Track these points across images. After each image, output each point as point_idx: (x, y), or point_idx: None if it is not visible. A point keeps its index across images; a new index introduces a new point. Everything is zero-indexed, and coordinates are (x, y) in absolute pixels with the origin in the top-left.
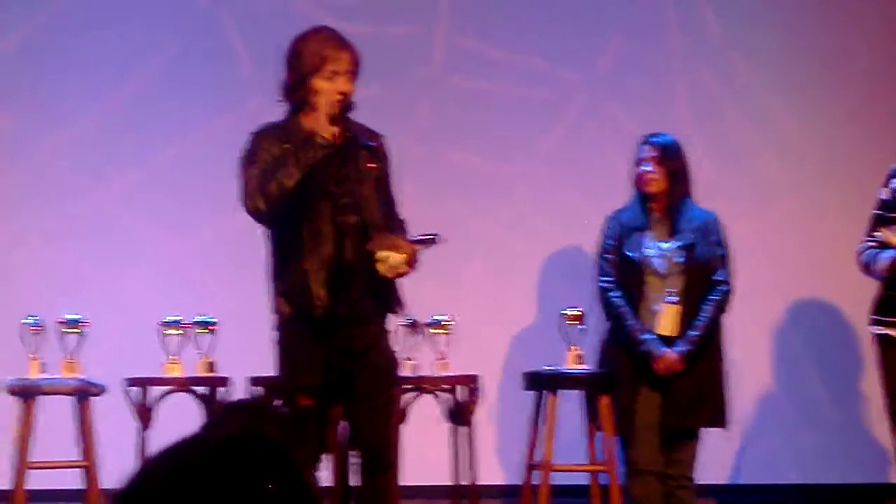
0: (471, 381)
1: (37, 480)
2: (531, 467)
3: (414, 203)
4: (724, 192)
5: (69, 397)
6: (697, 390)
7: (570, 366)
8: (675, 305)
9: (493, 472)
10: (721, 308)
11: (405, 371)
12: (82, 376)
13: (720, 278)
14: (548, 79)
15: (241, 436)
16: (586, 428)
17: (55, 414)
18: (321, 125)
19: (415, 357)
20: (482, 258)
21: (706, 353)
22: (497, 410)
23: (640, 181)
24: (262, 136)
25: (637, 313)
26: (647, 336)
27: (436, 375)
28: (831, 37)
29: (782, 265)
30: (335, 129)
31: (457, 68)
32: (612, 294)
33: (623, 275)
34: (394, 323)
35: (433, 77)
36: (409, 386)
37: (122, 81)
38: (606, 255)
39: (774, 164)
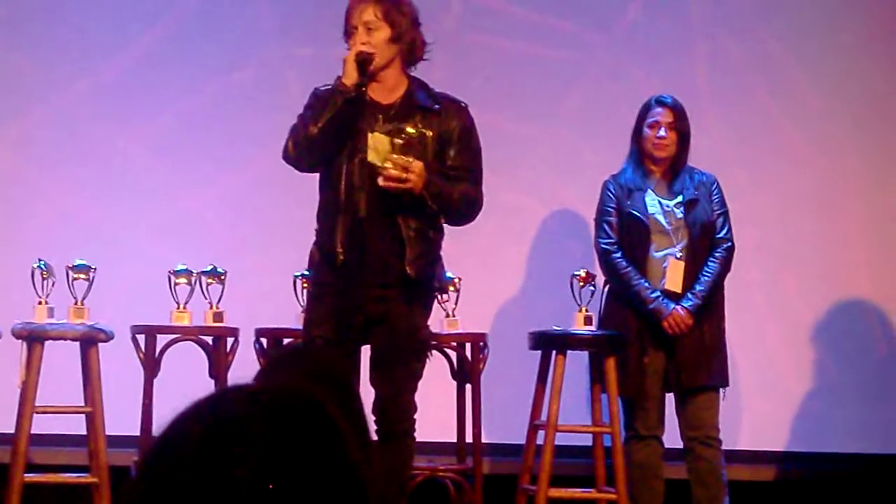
0: (479, 340)
1: (41, 425)
2: (536, 427)
3: None
4: (741, 158)
5: (75, 343)
6: (703, 349)
7: (579, 327)
8: (680, 262)
9: (497, 430)
10: (725, 265)
11: None
12: (90, 322)
13: (723, 236)
14: (567, 38)
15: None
16: (591, 389)
17: (61, 359)
18: (347, 75)
19: None
20: (497, 217)
21: (709, 311)
22: (504, 369)
23: (650, 144)
24: (317, 93)
25: (642, 271)
26: (654, 294)
27: (443, 333)
28: (856, 11)
29: (798, 237)
30: (353, 80)
31: (475, 25)
32: (614, 255)
33: (628, 234)
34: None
35: (450, 33)
36: None
37: (142, 31)
38: (607, 218)
39: (793, 133)
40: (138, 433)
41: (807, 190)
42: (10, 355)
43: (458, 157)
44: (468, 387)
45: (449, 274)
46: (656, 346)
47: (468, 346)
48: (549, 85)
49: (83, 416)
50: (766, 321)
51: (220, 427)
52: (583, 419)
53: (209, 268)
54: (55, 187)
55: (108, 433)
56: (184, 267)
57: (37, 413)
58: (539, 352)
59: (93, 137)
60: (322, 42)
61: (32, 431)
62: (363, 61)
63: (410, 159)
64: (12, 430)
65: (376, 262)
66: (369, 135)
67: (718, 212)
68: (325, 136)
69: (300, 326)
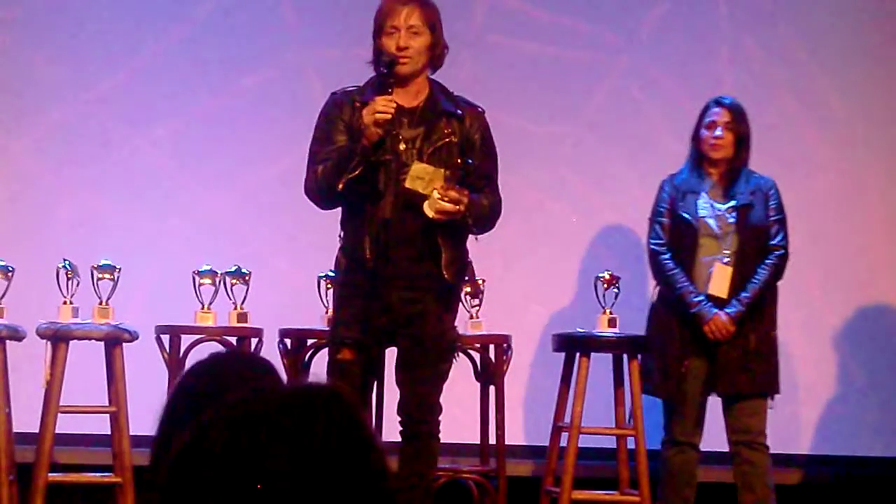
0: (502, 341)
1: (66, 424)
2: (559, 429)
3: None
4: (762, 161)
5: (100, 343)
6: (747, 355)
7: (603, 329)
8: (727, 267)
9: (520, 432)
10: (776, 273)
11: None
12: (114, 322)
13: (777, 243)
14: (590, 40)
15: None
16: (615, 391)
17: (86, 359)
18: (369, 135)
19: None
20: (519, 219)
21: (758, 318)
22: (527, 371)
23: (707, 145)
24: (327, 105)
25: (689, 275)
26: (698, 298)
27: (467, 334)
28: (878, 13)
29: (821, 239)
30: (375, 139)
31: (498, 27)
32: (663, 257)
33: (677, 237)
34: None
35: (474, 35)
36: None
37: (165, 31)
38: (659, 219)
39: (815, 138)
40: None
41: (829, 192)
42: (35, 355)
43: (482, 164)
44: (492, 388)
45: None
46: (698, 351)
47: (492, 347)
48: (571, 86)
49: (107, 415)
50: (790, 325)
51: (251, 424)
52: (609, 422)
53: (233, 268)
54: (80, 188)
55: (132, 433)
56: (208, 267)
57: (61, 413)
58: (562, 354)
59: (116, 138)
60: (344, 43)
61: (57, 431)
62: (392, 65)
63: (464, 193)
64: (37, 430)
65: (405, 265)
66: (414, 164)
67: (774, 218)
68: (349, 190)
69: (325, 327)
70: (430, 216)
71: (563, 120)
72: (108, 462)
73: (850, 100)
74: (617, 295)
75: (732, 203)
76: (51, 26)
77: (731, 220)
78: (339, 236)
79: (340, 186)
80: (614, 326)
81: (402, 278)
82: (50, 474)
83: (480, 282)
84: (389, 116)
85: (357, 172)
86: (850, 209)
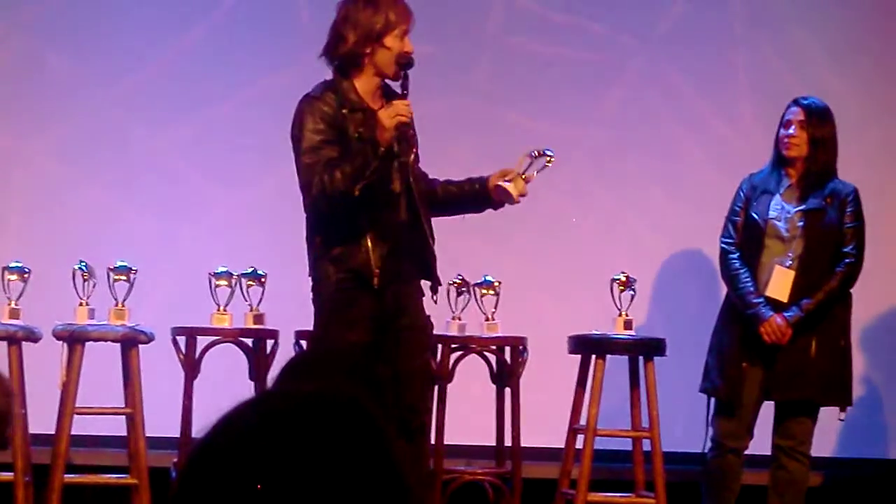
0: (518, 343)
1: (81, 426)
2: (575, 431)
3: (469, 163)
4: None
5: (116, 344)
6: (806, 362)
7: (619, 331)
8: (789, 270)
9: (536, 434)
10: (844, 281)
11: (453, 330)
12: (130, 324)
13: (848, 250)
14: (605, 42)
15: (333, 393)
16: (631, 393)
17: (102, 360)
18: (385, 133)
19: (462, 317)
20: (535, 220)
21: (825, 325)
22: (543, 373)
23: (780, 143)
24: (316, 108)
25: (754, 276)
26: (756, 300)
27: (483, 336)
28: (892, 13)
29: None
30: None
31: (514, 29)
32: (730, 256)
33: (744, 236)
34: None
35: (491, 37)
36: (456, 345)
37: (180, 34)
38: (733, 217)
39: None
40: (178, 435)
41: None
42: (51, 356)
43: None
44: (507, 390)
45: (489, 277)
46: (758, 355)
47: (507, 349)
48: (587, 88)
49: (123, 417)
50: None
51: (265, 427)
52: (625, 424)
53: (249, 270)
54: (96, 189)
55: (148, 435)
56: (224, 269)
57: (77, 414)
58: (578, 356)
59: (134, 139)
60: None
61: (73, 432)
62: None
63: None
64: (53, 431)
65: (407, 263)
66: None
67: (849, 225)
68: (363, 195)
69: None
70: (515, 200)
71: (579, 121)
72: (123, 463)
73: (866, 101)
74: (633, 297)
75: (803, 207)
76: (71, 28)
77: (801, 223)
78: (317, 245)
79: (357, 191)
80: (630, 329)
81: (398, 275)
82: (65, 475)
83: (496, 283)
84: (408, 119)
85: (375, 177)
86: (867, 212)
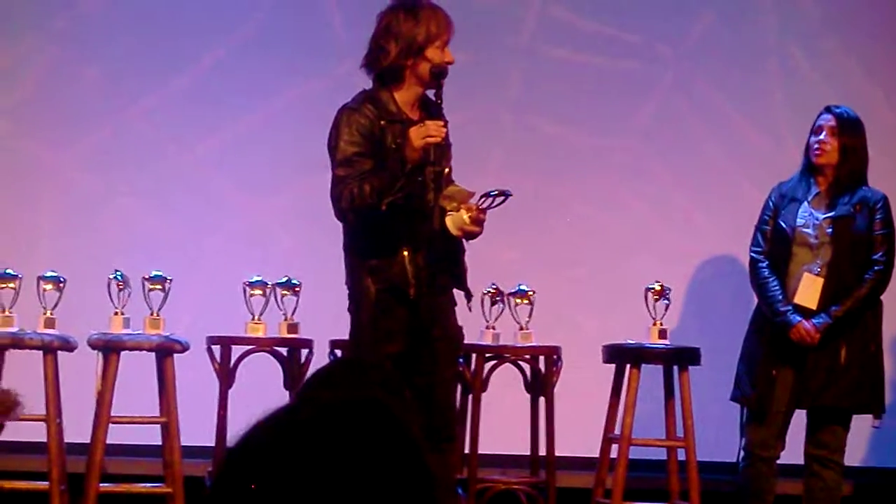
0: (552, 352)
1: (117, 435)
2: (609, 440)
3: (502, 173)
4: None
5: (151, 353)
6: (836, 369)
7: (653, 340)
8: (817, 277)
9: (571, 443)
10: (874, 288)
11: (487, 339)
12: (165, 333)
13: (878, 258)
14: (637, 51)
15: (360, 400)
16: (665, 403)
17: (137, 369)
18: (414, 150)
19: (497, 326)
20: (568, 230)
21: (855, 332)
22: (577, 382)
23: (810, 150)
24: (353, 119)
25: (783, 283)
26: (785, 308)
27: (517, 345)
28: None
29: None
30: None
31: (547, 39)
32: (760, 265)
33: (773, 244)
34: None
35: (523, 47)
36: (490, 355)
37: (212, 45)
38: (762, 226)
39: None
40: (213, 444)
41: None
42: (86, 365)
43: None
44: (542, 399)
45: (523, 286)
46: (788, 362)
47: (542, 358)
48: (619, 98)
49: (158, 426)
50: None
51: (296, 434)
52: (660, 433)
53: (284, 279)
54: (131, 199)
55: (183, 443)
56: (259, 278)
57: (112, 423)
58: (613, 365)
59: (168, 148)
60: None
61: (108, 441)
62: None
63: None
64: (88, 440)
65: (441, 273)
66: (449, 187)
67: (879, 232)
68: (390, 209)
69: None
70: (453, 233)
71: (611, 131)
72: (158, 472)
73: None
74: (667, 306)
75: (831, 214)
76: (100, 40)
77: (829, 230)
78: (353, 255)
79: (384, 206)
80: (664, 338)
81: (431, 286)
82: (101, 484)
83: (531, 292)
84: (440, 141)
85: (401, 193)
86: None
